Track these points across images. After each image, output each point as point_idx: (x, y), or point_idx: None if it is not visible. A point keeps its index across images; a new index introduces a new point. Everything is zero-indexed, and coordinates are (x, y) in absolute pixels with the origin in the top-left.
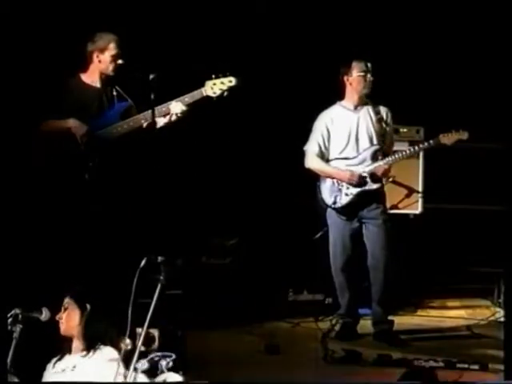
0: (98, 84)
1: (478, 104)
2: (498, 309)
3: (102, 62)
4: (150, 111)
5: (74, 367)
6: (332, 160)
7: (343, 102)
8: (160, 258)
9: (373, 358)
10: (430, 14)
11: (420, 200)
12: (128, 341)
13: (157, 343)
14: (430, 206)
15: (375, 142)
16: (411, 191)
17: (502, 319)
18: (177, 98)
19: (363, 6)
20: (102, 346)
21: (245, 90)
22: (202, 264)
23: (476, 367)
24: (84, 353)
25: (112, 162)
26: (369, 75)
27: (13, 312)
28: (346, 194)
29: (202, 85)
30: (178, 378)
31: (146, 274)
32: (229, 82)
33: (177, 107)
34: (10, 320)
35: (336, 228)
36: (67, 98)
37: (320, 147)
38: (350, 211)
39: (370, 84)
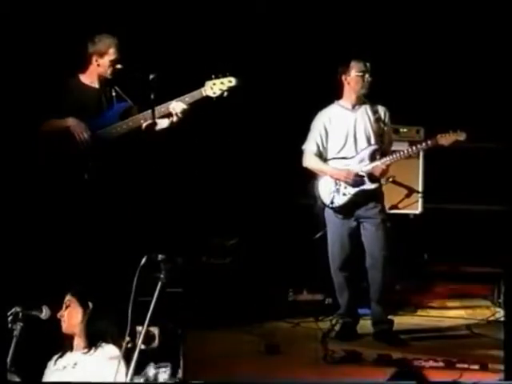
0: (96, 85)
1: (477, 104)
2: (497, 309)
3: (100, 65)
4: (149, 111)
5: (75, 364)
6: (330, 159)
7: (341, 102)
8: (160, 256)
9: (373, 358)
10: (429, 14)
11: (420, 200)
12: (128, 339)
13: (157, 341)
14: (430, 205)
15: (373, 141)
16: (411, 191)
17: (502, 319)
18: (176, 98)
19: (363, 5)
20: (103, 344)
21: (244, 90)
22: (202, 264)
23: (476, 367)
24: (85, 350)
25: (112, 162)
26: (367, 75)
27: (13, 310)
28: (344, 194)
29: (202, 85)
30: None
31: (146, 272)
32: (228, 82)
33: (178, 107)
34: (10, 318)
35: (334, 227)
36: (66, 99)
37: (318, 147)
38: (347, 211)
39: (367, 84)
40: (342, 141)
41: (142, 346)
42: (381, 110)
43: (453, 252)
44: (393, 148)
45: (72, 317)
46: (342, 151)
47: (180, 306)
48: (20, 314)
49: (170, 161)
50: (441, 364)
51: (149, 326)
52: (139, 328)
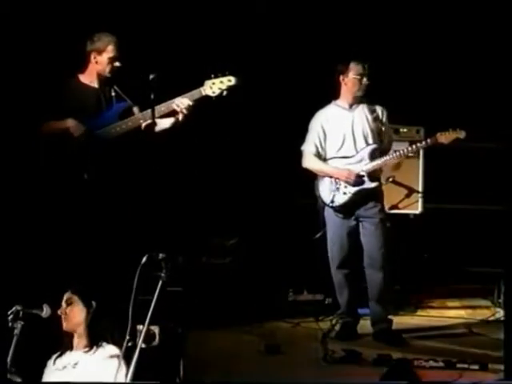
0: (95, 84)
1: (477, 104)
2: (497, 309)
3: (99, 63)
4: (149, 111)
5: (76, 364)
6: (330, 159)
7: (338, 102)
8: (161, 255)
9: (373, 358)
10: (429, 14)
11: (420, 200)
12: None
13: (157, 340)
14: (430, 205)
15: (371, 140)
16: (411, 191)
17: (502, 319)
18: (176, 98)
19: (363, 5)
20: (104, 344)
21: (244, 89)
22: (202, 264)
23: (476, 367)
24: (86, 349)
25: (111, 162)
26: (365, 79)
27: (14, 309)
28: (344, 193)
29: (201, 84)
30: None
31: (146, 271)
32: (228, 81)
33: (182, 103)
34: (10, 317)
35: (334, 227)
36: (66, 99)
37: (317, 147)
38: (347, 210)
39: (364, 87)
40: (339, 140)
41: (143, 345)
42: (378, 109)
43: (453, 252)
44: (393, 148)
45: (75, 315)
46: (340, 150)
47: (180, 306)
48: (20, 313)
49: (169, 160)
50: (441, 364)
51: (149, 324)
52: (140, 327)
